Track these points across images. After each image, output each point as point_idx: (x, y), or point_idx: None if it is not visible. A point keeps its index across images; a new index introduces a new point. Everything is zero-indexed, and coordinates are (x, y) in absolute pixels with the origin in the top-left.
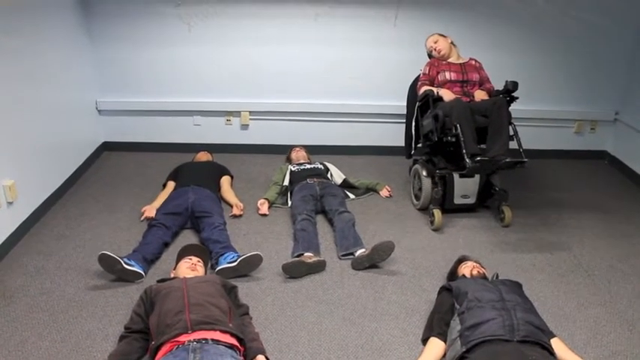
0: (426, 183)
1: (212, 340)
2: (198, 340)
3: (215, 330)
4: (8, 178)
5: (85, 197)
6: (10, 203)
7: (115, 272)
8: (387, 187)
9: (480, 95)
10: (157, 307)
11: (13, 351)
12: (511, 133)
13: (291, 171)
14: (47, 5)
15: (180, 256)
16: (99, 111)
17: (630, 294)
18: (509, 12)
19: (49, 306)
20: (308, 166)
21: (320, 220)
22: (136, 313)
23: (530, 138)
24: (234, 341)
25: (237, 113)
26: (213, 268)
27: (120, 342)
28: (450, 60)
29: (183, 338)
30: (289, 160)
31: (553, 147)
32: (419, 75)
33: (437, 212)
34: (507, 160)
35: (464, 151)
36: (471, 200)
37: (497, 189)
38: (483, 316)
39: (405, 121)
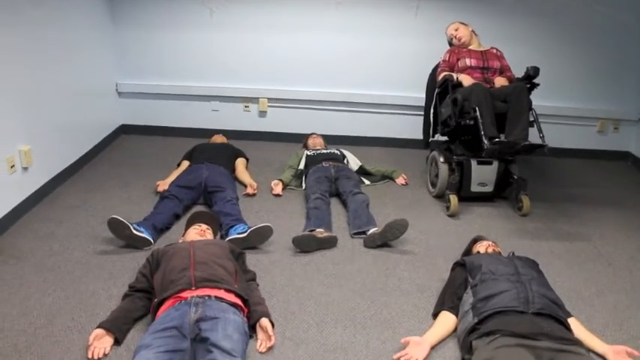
0: (443, 169)
1: (215, 297)
2: (201, 296)
3: (219, 288)
4: (24, 144)
5: (99, 174)
6: (25, 169)
7: (123, 238)
8: (403, 175)
9: (500, 82)
10: (162, 265)
11: (17, 305)
12: (531, 119)
13: (307, 155)
14: None
15: (190, 223)
16: (119, 93)
17: None
18: (532, 4)
19: (55, 267)
20: (324, 151)
21: (334, 202)
22: (141, 274)
23: (551, 135)
24: (238, 301)
25: (255, 100)
26: (222, 239)
27: (123, 300)
28: (470, 47)
29: (186, 294)
30: (306, 147)
31: (574, 146)
32: (439, 63)
33: (453, 197)
34: (527, 143)
35: (482, 132)
36: (489, 188)
37: (515, 177)
38: (497, 287)
39: (423, 110)
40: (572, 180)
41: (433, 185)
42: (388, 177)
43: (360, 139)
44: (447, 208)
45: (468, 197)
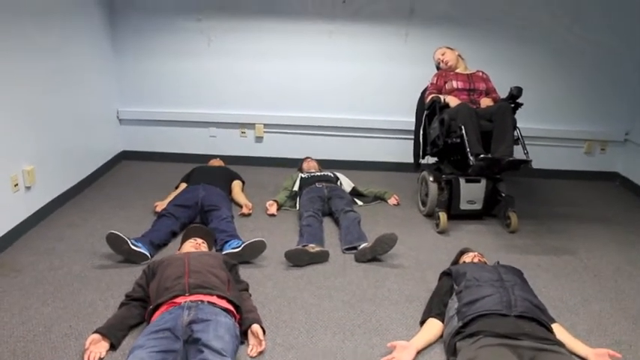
0: (433, 188)
1: (208, 302)
2: (194, 301)
3: (212, 295)
4: (28, 164)
5: (99, 196)
6: (28, 188)
7: (121, 252)
8: (395, 196)
9: (485, 102)
10: (157, 274)
11: (17, 314)
12: (516, 137)
13: (301, 177)
14: (75, 17)
15: (186, 237)
16: (120, 120)
17: (637, 292)
18: (518, 30)
19: (55, 280)
20: (318, 174)
21: (327, 221)
22: (137, 284)
23: (539, 157)
24: (230, 307)
25: (251, 126)
26: None
27: (120, 308)
28: (457, 71)
29: (179, 300)
30: (301, 170)
31: (562, 167)
32: (427, 86)
33: (442, 215)
34: (511, 159)
35: (468, 150)
36: (478, 206)
37: (503, 195)
38: (480, 292)
39: (413, 133)
40: (561, 199)
41: (423, 204)
42: (380, 198)
43: (353, 163)
44: (437, 225)
45: (458, 215)
